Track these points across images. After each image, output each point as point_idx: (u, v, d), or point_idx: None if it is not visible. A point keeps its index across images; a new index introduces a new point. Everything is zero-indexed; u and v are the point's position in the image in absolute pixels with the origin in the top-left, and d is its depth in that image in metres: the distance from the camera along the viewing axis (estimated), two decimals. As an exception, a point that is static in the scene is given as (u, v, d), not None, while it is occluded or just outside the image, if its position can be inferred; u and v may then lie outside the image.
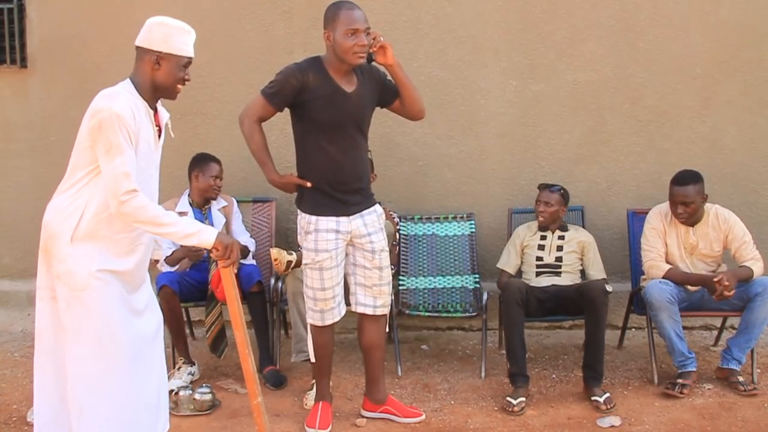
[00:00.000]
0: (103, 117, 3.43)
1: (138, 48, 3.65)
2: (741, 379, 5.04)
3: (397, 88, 4.53)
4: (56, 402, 3.64)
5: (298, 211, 4.52)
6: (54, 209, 3.59)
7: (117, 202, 3.42)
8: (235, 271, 3.78)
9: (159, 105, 3.72)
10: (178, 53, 3.61)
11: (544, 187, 5.56)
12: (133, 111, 3.50)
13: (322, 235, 4.40)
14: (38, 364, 3.68)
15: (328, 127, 4.37)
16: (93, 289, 3.51)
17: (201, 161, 5.57)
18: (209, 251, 3.68)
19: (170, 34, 3.60)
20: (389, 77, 4.55)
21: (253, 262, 5.62)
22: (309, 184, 4.43)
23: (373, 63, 4.45)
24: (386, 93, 4.57)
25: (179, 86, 3.67)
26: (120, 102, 3.48)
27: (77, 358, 3.54)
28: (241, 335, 3.80)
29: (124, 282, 3.62)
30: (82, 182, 3.54)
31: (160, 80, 3.61)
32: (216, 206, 5.63)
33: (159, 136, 3.71)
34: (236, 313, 3.77)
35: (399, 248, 5.87)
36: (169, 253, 5.40)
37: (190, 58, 3.66)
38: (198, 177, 5.53)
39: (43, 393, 3.67)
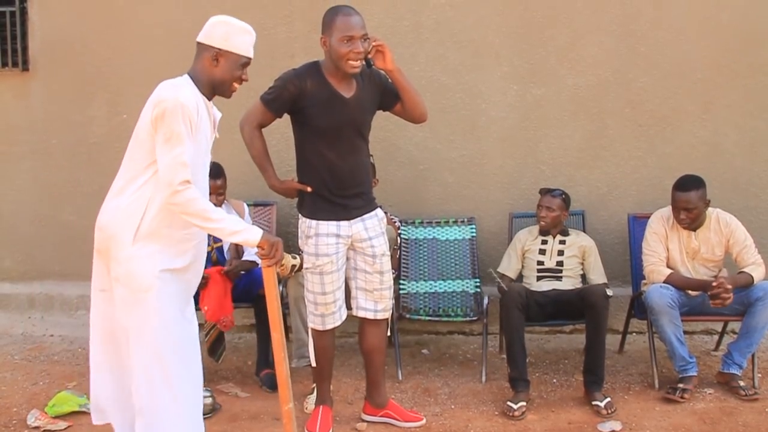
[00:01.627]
0: (168, 106, 3.47)
1: (199, 44, 3.72)
2: (742, 383, 5.03)
3: (398, 92, 4.53)
4: (115, 399, 3.74)
5: (299, 215, 4.51)
6: (113, 210, 3.61)
7: (171, 191, 3.46)
8: (278, 270, 3.83)
9: (212, 104, 3.78)
10: (237, 52, 3.68)
11: (545, 191, 5.56)
12: (197, 102, 3.57)
13: (322, 239, 4.40)
14: (95, 362, 3.77)
15: (327, 132, 4.37)
16: (155, 290, 3.55)
17: None
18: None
19: (231, 33, 3.68)
20: (390, 80, 4.55)
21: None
22: (309, 189, 4.42)
23: (373, 67, 4.43)
24: (387, 97, 4.56)
25: (236, 84, 3.75)
26: (185, 92, 3.54)
27: (140, 359, 3.58)
28: (279, 337, 3.79)
29: (183, 281, 3.68)
30: (141, 179, 3.57)
31: (217, 77, 3.69)
32: None
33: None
34: (275, 315, 3.78)
35: (400, 252, 5.87)
36: None
37: (249, 58, 3.73)
38: None
39: (102, 392, 3.77)
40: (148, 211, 3.55)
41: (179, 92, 3.52)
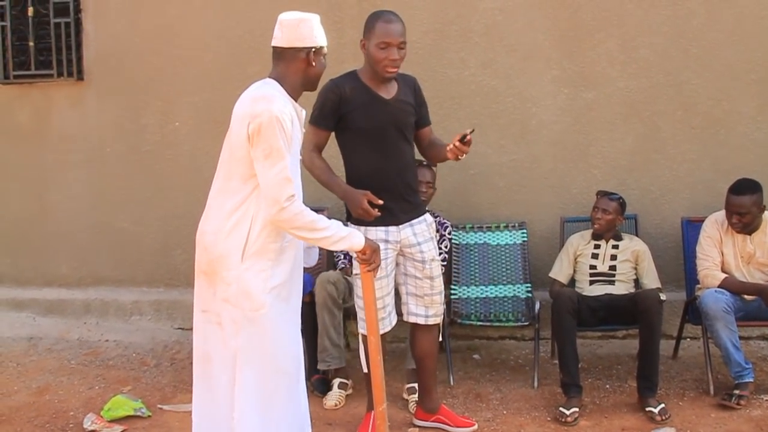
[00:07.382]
0: (263, 121, 3.39)
1: (285, 50, 3.61)
2: (800, 390, 4.96)
3: (438, 145, 4.56)
4: (220, 424, 3.60)
5: (348, 223, 4.50)
6: (215, 230, 3.52)
7: (278, 208, 3.39)
8: (376, 276, 3.85)
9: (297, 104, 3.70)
10: (323, 44, 3.65)
11: (603, 194, 5.51)
12: (290, 112, 3.50)
13: (371, 244, 4.39)
14: (203, 387, 3.65)
15: (371, 134, 4.38)
16: (268, 308, 3.48)
17: None
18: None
19: (313, 28, 3.62)
20: (426, 105, 4.64)
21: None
22: (380, 202, 4.31)
23: (418, 84, 4.58)
24: (419, 119, 4.59)
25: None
26: (278, 104, 3.45)
27: (250, 380, 3.50)
28: (375, 341, 3.83)
29: (289, 293, 3.61)
30: (242, 193, 3.49)
31: (314, 74, 3.65)
32: None
33: None
34: (372, 317, 3.83)
35: (450, 257, 5.84)
36: None
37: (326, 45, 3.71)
38: None
39: (206, 416, 3.66)
40: (253, 228, 3.46)
41: (272, 105, 3.42)
